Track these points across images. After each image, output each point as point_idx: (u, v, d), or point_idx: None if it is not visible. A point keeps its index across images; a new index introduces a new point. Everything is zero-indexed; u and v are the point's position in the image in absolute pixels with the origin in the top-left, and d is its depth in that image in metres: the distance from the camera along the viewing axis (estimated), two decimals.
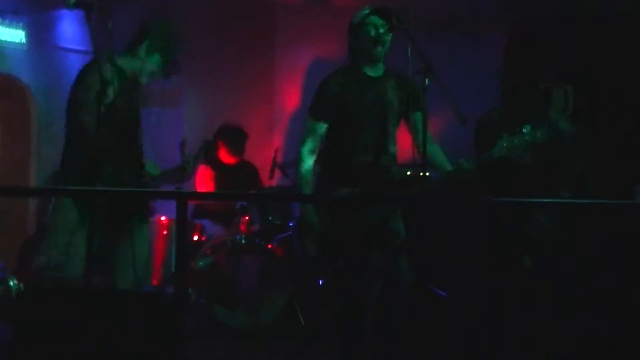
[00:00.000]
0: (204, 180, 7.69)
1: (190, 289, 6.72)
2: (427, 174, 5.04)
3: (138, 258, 4.75)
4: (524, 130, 4.84)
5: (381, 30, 4.90)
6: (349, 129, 4.97)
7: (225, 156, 7.81)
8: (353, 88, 4.98)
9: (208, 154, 5.13)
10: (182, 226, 3.80)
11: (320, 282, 7.09)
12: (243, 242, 6.85)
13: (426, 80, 4.61)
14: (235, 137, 7.81)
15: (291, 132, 8.55)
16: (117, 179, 4.74)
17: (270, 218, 7.07)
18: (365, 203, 4.94)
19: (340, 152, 5.00)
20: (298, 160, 4.99)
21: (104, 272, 4.82)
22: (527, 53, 8.14)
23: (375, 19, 4.92)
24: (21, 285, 6.63)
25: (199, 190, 7.62)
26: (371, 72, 5.02)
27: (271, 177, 7.57)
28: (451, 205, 5.26)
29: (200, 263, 6.83)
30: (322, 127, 4.97)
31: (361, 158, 4.93)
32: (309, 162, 4.96)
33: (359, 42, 4.98)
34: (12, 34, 7.38)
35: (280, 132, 8.88)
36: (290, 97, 8.91)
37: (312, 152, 4.96)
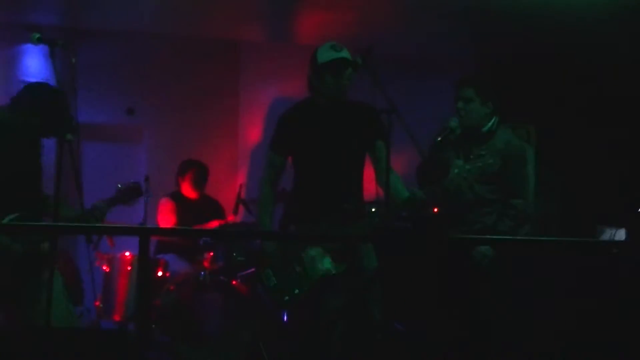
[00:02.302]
0: (166, 214, 7.66)
1: (153, 326, 6.66)
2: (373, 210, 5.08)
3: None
4: (476, 157, 4.88)
5: (344, 81, 4.94)
6: (307, 164, 5.05)
7: (188, 190, 7.80)
8: (311, 123, 5.02)
9: (127, 197, 4.94)
10: (144, 262, 3.80)
11: (285, 319, 7.08)
12: (207, 278, 6.81)
13: (390, 120, 4.62)
14: (196, 171, 7.80)
15: (255, 169, 8.54)
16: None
17: (234, 254, 7.04)
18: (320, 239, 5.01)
19: (299, 187, 5.12)
20: (259, 189, 5.17)
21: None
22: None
23: (339, 65, 4.90)
24: None
25: (161, 224, 7.59)
26: (330, 107, 5.03)
27: (235, 212, 7.56)
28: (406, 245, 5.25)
29: (164, 300, 6.78)
30: (280, 160, 5.11)
31: (318, 193, 4.98)
32: (266, 190, 5.14)
33: (321, 83, 5.00)
34: None
35: (245, 169, 8.86)
36: (254, 134, 8.92)
37: (269, 182, 5.15)
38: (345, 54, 4.91)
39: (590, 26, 7.37)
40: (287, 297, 4.97)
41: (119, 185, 4.94)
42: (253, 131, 8.92)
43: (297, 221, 5.03)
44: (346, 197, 4.99)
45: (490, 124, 5.37)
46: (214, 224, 7.48)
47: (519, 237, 5.24)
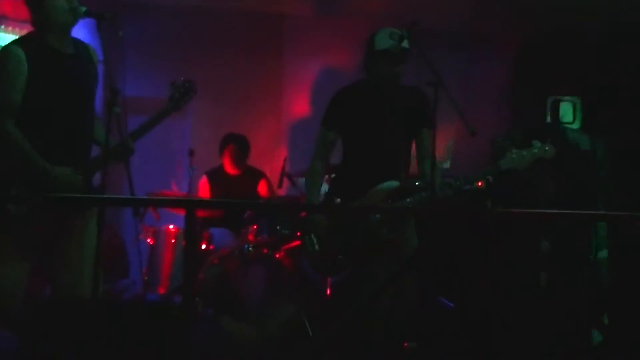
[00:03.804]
0: (202, 195, 7.70)
1: (197, 299, 6.71)
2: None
3: (85, 257, 4.33)
4: (533, 144, 4.88)
5: (398, 69, 5.03)
6: (356, 140, 5.14)
7: (228, 166, 7.81)
8: (363, 102, 5.11)
9: (181, 95, 4.71)
10: (191, 235, 3.81)
11: (328, 292, 7.08)
12: (251, 251, 6.82)
13: (436, 92, 4.63)
14: (235, 146, 7.79)
15: (299, 142, 8.55)
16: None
17: (278, 228, 7.05)
18: (361, 212, 5.07)
19: (347, 163, 5.22)
20: (309, 163, 5.29)
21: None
22: (535, 66, 8.16)
23: (396, 54, 4.99)
24: None
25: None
26: (383, 88, 5.11)
27: (280, 186, 7.57)
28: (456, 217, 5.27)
29: (207, 273, 6.82)
30: (331, 135, 5.20)
31: (365, 170, 5.04)
32: (315, 164, 5.25)
33: (375, 68, 5.11)
34: None
35: (288, 142, 8.87)
36: (298, 108, 8.92)
37: (320, 156, 5.26)
38: (404, 43, 4.99)
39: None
40: (329, 263, 5.09)
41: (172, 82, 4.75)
42: (297, 105, 8.92)
43: (343, 195, 5.09)
44: (392, 175, 5.04)
45: None
46: (263, 186, 7.54)
47: (565, 212, 5.22)
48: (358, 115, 5.12)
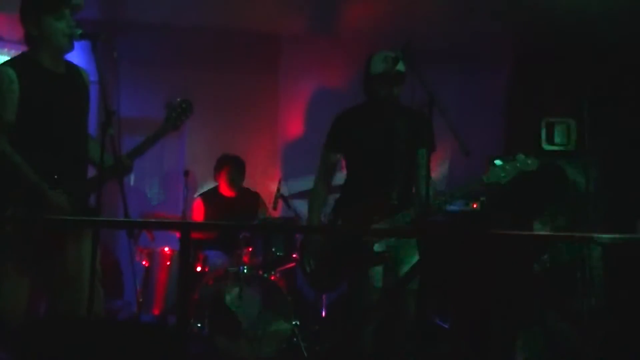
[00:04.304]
0: (195, 217, 7.69)
1: (191, 320, 6.69)
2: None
3: (83, 273, 4.30)
4: (516, 157, 4.95)
5: (395, 91, 5.14)
6: (358, 162, 5.25)
7: (224, 188, 7.81)
8: (364, 124, 5.23)
9: (177, 115, 4.68)
10: (185, 256, 3.80)
11: (324, 314, 7.08)
12: (245, 273, 6.81)
13: (430, 111, 4.64)
14: (231, 168, 7.80)
15: (294, 163, 8.55)
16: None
17: (273, 249, 7.05)
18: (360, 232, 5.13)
19: (349, 184, 5.32)
20: (313, 185, 5.42)
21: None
22: (530, 86, 8.17)
23: (390, 77, 5.11)
24: None
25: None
26: (383, 110, 5.20)
27: (275, 207, 7.57)
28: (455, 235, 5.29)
29: (202, 293, 6.80)
30: (333, 158, 5.33)
31: (367, 190, 5.12)
32: (318, 187, 5.37)
33: (373, 91, 5.23)
34: None
35: (284, 163, 8.87)
36: (294, 128, 8.92)
37: (322, 179, 5.38)
38: (399, 66, 5.11)
39: (631, 21, 7.30)
40: (325, 282, 5.17)
41: (168, 103, 4.75)
42: (293, 125, 8.92)
43: (344, 215, 5.17)
44: (393, 195, 5.11)
45: None
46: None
47: (559, 234, 5.23)
48: (359, 137, 5.22)
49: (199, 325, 6.69)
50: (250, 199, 7.89)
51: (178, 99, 4.75)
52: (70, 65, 4.53)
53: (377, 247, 5.00)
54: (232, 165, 7.82)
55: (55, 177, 4.29)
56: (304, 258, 5.25)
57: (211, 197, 7.83)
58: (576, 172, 6.48)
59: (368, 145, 5.20)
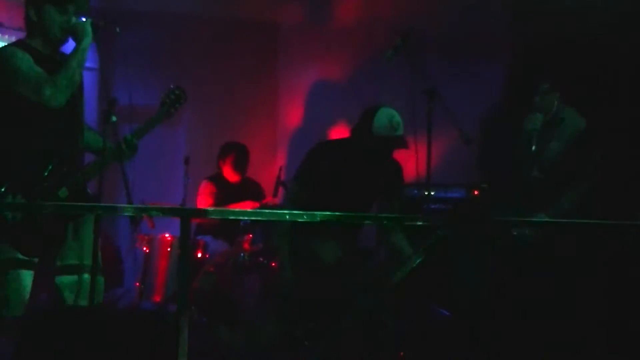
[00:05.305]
0: (205, 197, 7.68)
1: (192, 307, 6.70)
2: None
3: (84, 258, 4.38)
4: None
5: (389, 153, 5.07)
6: (326, 200, 4.87)
7: (229, 173, 7.82)
8: (340, 165, 5.10)
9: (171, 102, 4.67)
10: (185, 244, 3.80)
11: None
12: (246, 260, 6.82)
13: (430, 100, 4.64)
14: (237, 153, 7.81)
15: (294, 150, 8.56)
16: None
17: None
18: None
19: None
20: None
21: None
22: (531, 76, 8.14)
23: (392, 142, 4.97)
24: None
25: (200, 206, 7.61)
26: (363, 157, 5.07)
27: (275, 195, 7.57)
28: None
29: (202, 281, 6.81)
30: (304, 195, 5.08)
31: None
32: (285, 224, 5.15)
33: (369, 145, 5.01)
34: None
35: (284, 150, 8.88)
36: (294, 116, 8.92)
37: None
38: (399, 131, 4.93)
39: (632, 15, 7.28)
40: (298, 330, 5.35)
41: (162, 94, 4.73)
42: (292, 113, 8.92)
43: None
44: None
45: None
46: (248, 205, 7.50)
47: (560, 220, 5.23)
48: (333, 176, 5.07)
49: (198, 313, 6.70)
50: (252, 188, 7.90)
51: (171, 86, 4.72)
52: (64, 55, 4.53)
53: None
54: (238, 152, 7.83)
55: (50, 167, 4.29)
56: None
57: (217, 181, 7.83)
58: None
59: (340, 186, 5.04)
